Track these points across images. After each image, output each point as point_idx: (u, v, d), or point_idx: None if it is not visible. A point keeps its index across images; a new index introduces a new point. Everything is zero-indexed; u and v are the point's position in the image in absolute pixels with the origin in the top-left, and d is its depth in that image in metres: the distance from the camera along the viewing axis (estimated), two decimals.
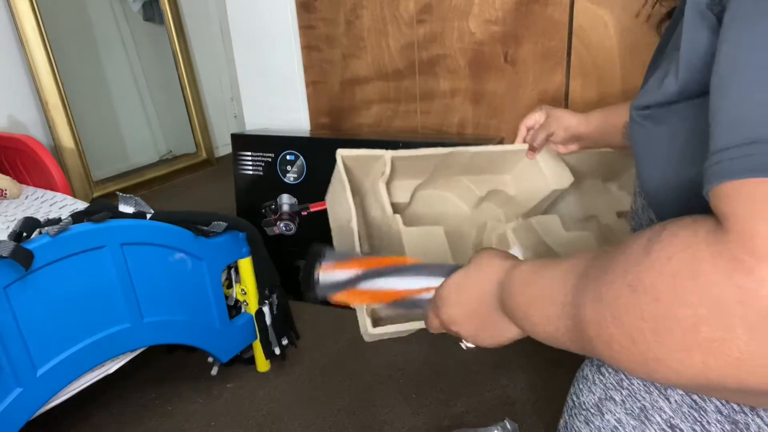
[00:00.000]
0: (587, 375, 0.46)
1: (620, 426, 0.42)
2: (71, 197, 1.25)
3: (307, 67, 1.45)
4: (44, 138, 1.89)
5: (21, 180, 1.43)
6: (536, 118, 0.87)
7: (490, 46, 1.19)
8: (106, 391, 1.06)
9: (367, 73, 1.37)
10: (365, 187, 0.87)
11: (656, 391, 0.41)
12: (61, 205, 1.20)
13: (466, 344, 0.55)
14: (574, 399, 0.47)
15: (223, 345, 1.05)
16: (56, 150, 1.89)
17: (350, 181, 0.88)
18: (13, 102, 1.83)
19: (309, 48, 1.43)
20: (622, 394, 0.42)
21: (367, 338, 0.80)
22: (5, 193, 1.26)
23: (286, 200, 1.39)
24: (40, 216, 1.10)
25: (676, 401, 0.40)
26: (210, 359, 1.10)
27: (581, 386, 0.46)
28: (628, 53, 1.06)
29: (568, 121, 0.83)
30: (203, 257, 0.97)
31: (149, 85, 2.37)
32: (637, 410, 0.41)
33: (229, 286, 1.07)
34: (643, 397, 0.41)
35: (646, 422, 0.40)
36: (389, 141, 1.26)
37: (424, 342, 1.16)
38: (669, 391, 0.40)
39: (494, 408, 0.98)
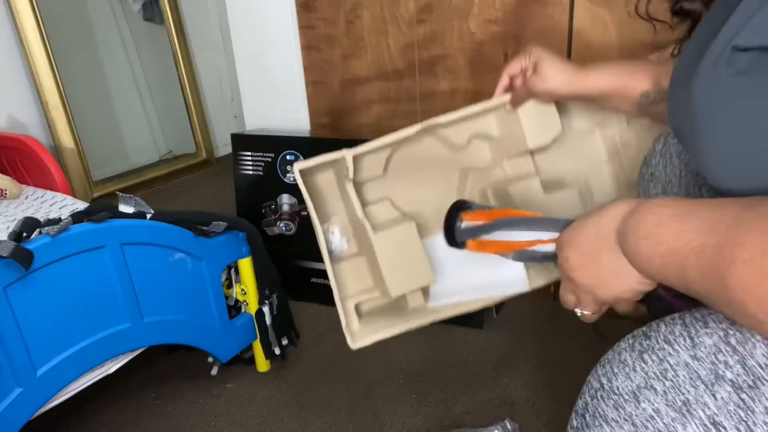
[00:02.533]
0: (626, 360, 0.44)
1: (657, 416, 0.40)
2: (71, 197, 1.25)
3: (307, 67, 1.45)
4: (44, 138, 1.89)
5: (21, 180, 1.43)
6: (522, 65, 0.77)
7: (490, 46, 1.19)
8: (106, 391, 1.06)
9: (367, 73, 1.37)
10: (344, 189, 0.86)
11: (702, 386, 0.39)
12: (61, 205, 1.20)
13: (582, 311, 0.54)
14: (604, 382, 0.44)
15: (223, 345, 1.05)
16: (56, 150, 1.89)
17: (329, 185, 0.88)
18: (13, 102, 1.83)
19: (309, 48, 1.43)
20: (665, 384, 0.41)
21: (353, 347, 0.82)
22: (5, 193, 1.26)
23: (286, 200, 1.39)
24: (40, 216, 1.10)
25: (722, 398, 0.38)
26: (210, 359, 1.10)
27: (616, 370, 0.44)
28: (628, 53, 1.06)
29: (556, 83, 0.73)
30: (203, 257, 0.97)
31: (149, 85, 2.37)
32: (680, 403, 0.39)
33: (229, 286, 1.07)
34: (688, 391, 0.39)
35: (688, 416, 0.39)
36: None
37: (424, 342, 1.16)
38: (716, 388, 0.38)
39: (494, 408, 0.98)
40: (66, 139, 1.90)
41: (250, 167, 1.42)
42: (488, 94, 1.25)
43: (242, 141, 1.43)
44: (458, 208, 0.67)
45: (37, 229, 0.79)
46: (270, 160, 1.39)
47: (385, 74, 1.35)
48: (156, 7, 2.29)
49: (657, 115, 0.68)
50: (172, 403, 1.05)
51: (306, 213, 1.37)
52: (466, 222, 0.66)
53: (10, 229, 0.78)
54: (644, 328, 0.44)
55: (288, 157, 1.37)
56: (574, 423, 0.46)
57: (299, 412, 1.01)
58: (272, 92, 1.53)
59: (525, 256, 0.61)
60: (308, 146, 1.36)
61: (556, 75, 0.73)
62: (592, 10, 1.06)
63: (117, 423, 1.01)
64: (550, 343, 1.14)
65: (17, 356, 0.77)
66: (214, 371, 1.09)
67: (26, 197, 1.29)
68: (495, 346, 1.14)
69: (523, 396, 1.00)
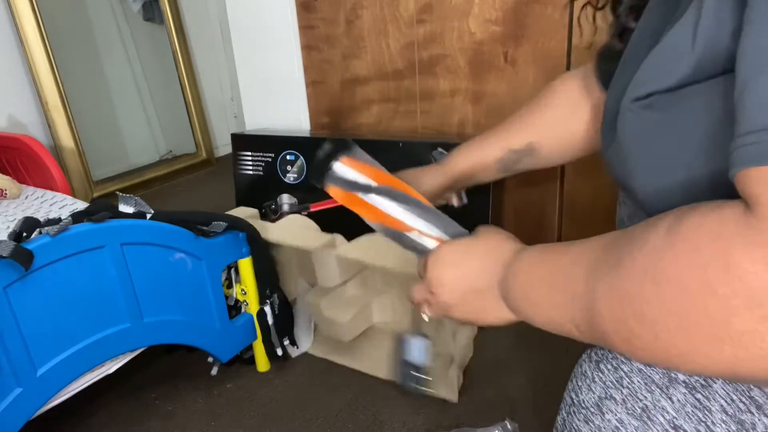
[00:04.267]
0: (586, 372, 0.45)
1: (622, 426, 0.40)
2: (71, 197, 1.25)
3: (307, 67, 1.45)
4: (44, 138, 1.89)
5: (21, 180, 1.43)
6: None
7: (490, 46, 1.19)
8: (106, 391, 1.06)
9: (367, 73, 1.37)
10: None
11: (658, 390, 0.39)
12: (61, 205, 1.20)
13: (427, 314, 0.55)
14: (573, 397, 0.45)
15: (223, 345, 1.05)
16: (56, 150, 1.89)
17: None
18: (13, 102, 1.83)
19: (309, 48, 1.43)
20: (622, 393, 0.41)
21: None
22: (5, 193, 1.26)
23: (286, 200, 1.39)
24: (40, 216, 1.10)
25: (678, 400, 0.38)
26: (210, 359, 1.10)
27: (580, 383, 0.45)
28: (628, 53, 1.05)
29: (429, 187, 0.78)
30: (203, 257, 0.97)
31: (149, 85, 2.37)
32: (639, 410, 0.40)
33: (229, 286, 1.07)
34: (645, 396, 0.40)
35: (649, 422, 0.39)
36: (389, 141, 1.26)
37: None
38: (671, 390, 0.39)
39: (494, 408, 0.98)
40: (66, 139, 1.90)
41: (250, 167, 1.42)
42: (488, 94, 1.25)
43: (242, 141, 1.43)
44: (343, 147, 0.60)
45: (37, 229, 0.79)
46: (270, 160, 1.39)
47: (385, 74, 1.35)
48: (156, 7, 2.29)
49: (527, 168, 0.75)
50: (172, 403, 1.05)
51: (306, 213, 1.37)
52: (343, 166, 0.59)
53: (10, 229, 0.78)
54: None
55: (288, 157, 1.37)
56: None
57: (299, 412, 1.01)
58: (272, 92, 1.53)
59: (394, 236, 0.58)
60: (308, 146, 1.36)
61: (420, 180, 0.78)
62: (592, 9, 1.06)
63: (117, 423, 1.01)
64: (550, 343, 1.14)
65: (17, 356, 0.77)
66: (214, 371, 1.09)
67: (26, 197, 1.29)
68: (495, 346, 1.14)
69: (523, 396, 1.00)
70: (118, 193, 0.96)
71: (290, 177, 1.38)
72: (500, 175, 0.77)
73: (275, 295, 1.08)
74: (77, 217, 0.85)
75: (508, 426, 0.89)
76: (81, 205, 1.17)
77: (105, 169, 2.14)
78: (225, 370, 1.11)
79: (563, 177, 1.22)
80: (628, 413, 0.40)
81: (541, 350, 1.12)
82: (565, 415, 0.46)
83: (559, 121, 0.71)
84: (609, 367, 0.43)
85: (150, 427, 0.99)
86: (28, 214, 1.15)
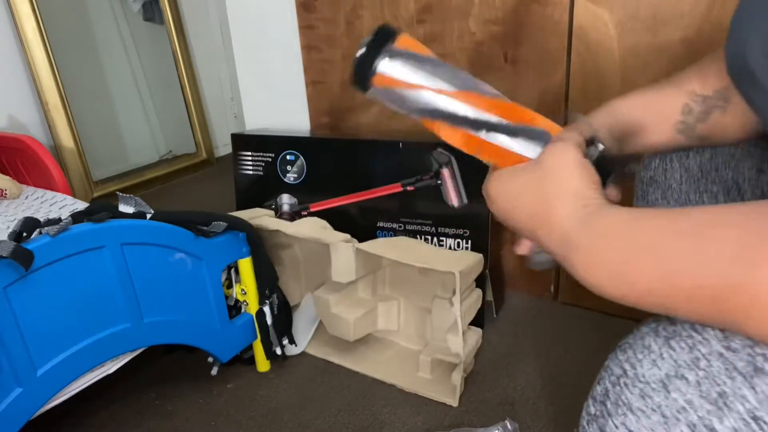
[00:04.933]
0: (650, 346, 0.41)
1: (690, 407, 0.37)
2: (71, 197, 1.25)
3: (307, 67, 1.45)
4: (44, 138, 1.89)
5: (21, 180, 1.43)
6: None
7: (490, 46, 1.19)
8: (106, 391, 1.06)
9: None
10: None
11: (740, 378, 0.36)
12: (61, 205, 1.20)
13: (537, 258, 0.53)
14: (627, 368, 0.41)
15: (223, 345, 1.05)
16: (56, 150, 1.89)
17: None
18: (13, 102, 1.83)
19: (309, 48, 1.43)
20: (697, 374, 0.37)
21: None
22: (5, 193, 1.26)
23: (286, 200, 1.39)
24: (40, 216, 1.10)
25: (763, 392, 0.35)
26: (210, 359, 1.10)
27: (640, 356, 0.41)
28: (628, 53, 1.06)
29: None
30: (203, 257, 0.97)
31: (149, 85, 2.37)
32: (715, 395, 0.36)
33: (229, 286, 1.07)
34: (724, 382, 0.36)
35: (725, 409, 0.36)
36: (389, 141, 1.26)
37: None
38: (756, 380, 0.35)
39: (494, 408, 0.98)
40: (66, 139, 1.90)
41: (250, 167, 1.42)
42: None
43: (242, 141, 1.43)
44: (387, 35, 0.51)
45: (37, 229, 0.79)
46: (270, 160, 1.39)
47: None
48: (156, 7, 2.29)
49: (703, 138, 0.59)
50: (172, 403, 1.05)
51: (306, 213, 1.37)
52: (402, 51, 0.51)
53: (10, 229, 0.78)
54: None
55: (288, 157, 1.37)
56: (592, 410, 0.43)
57: (299, 412, 1.01)
58: (272, 92, 1.53)
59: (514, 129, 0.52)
60: (308, 146, 1.36)
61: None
62: (592, 10, 1.06)
63: (117, 423, 1.01)
64: (550, 343, 1.14)
65: (17, 356, 0.77)
66: (214, 371, 1.09)
67: (26, 197, 1.29)
68: (495, 346, 1.14)
69: (523, 396, 1.00)
70: (118, 193, 0.96)
71: (290, 177, 1.38)
72: (677, 138, 0.59)
73: (275, 295, 1.08)
74: (77, 217, 0.85)
75: (508, 426, 0.89)
76: (81, 205, 1.17)
77: (105, 169, 2.14)
78: (225, 370, 1.11)
79: None
80: (701, 396, 0.37)
81: (542, 350, 1.12)
82: (609, 385, 0.42)
83: None
84: (683, 345, 0.39)
85: (150, 427, 0.99)
86: (28, 214, 1.15)
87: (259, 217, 1.14)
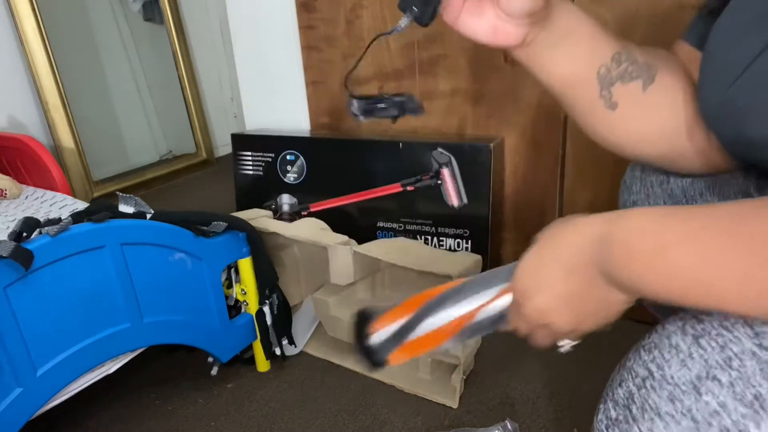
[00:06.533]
0: (679, 345, 0.38)
1: (724, 410, 0.34)
2: (71, 197, 1.25)
3: (307, 67, 1.45)
4: (44, 138, 1.89)
5: (21, 180, 1.43)
6: None
7: None
8: (106, 391, 1.06)
9: (367, 73, 1.37)
10: None
11: None
12: (61, 205, 1.20)
13: (566, 344, 0.48)
14: (653, 369, 0.38)
15: (223, 345, 1.05)
16: (56, 150, 1.89)
17: None
18: (13, 102, 1.83)
19: (309, 48, 1.43)
20: (730, 375, 0.35)
21: None
22: (5, 193, 1.26)
23: (286, 200, 1.40)
24: (40, 216, 1.10)
25: None
26: (210, 359, 1.10)
27: (667, 357, 0.38)
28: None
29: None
30: (203, 257, 0.97)
31: (149, 85, 2.37)
32: (750, 396, 0.34)
33: (229, 286, 1.07)
34: (759, 383, 0.34)
35: (761, 412, 0.33)
36: (389, 141, 1.26)
37: None
38: None
39: (494, 408, 0.98)
40: (66, 139, 1.90)
41: (250, 167, 1.42)
42: (488, 94, 1.25)
43: (242, 141, 1.43)
44: (363, 321, 0.54)
45: (37, 229, 0.79)
46: (270, 160, 1.39)
47: (385, 74, 1.35)
48: (156, 7, 2.29)
49: (614, 105, 0.54)
50: (172, 403, 1.05)
51: (306, 213, 1.37)
52: (378, 333, 0.52)
53: (10, 229, 0.78)
54: (692, 311, 0.38)
55: (288, 157, 1.37)
56: (613, 414, 0.40)
57: (299, 412, 1.01)
58: (272, 92, 1.53)
59: (469, 331, 0.50)
60: (308, 146, 1.36)
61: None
62: (592, 9, 1.06)
63: (117, 423, 1.01)
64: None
65: (17, 356, 0.77)
66: (214, 371, 1.09)
67: (26, 197, 1.29)
68: (495, 346, 1.14)
69: (523, 396, 1.00)
70: (118, 193, 0.96)
71: (290, 177, 1.38)
72: (591, 81, 0.54)
73: (274, 295, 1.08)
74: (77, 217, 0.85)
75: (508, 426, 0.89)
76: (81, 205, 1.17)
77: (105, 169, 2.14)
78: (225, 370, 1.11)
79: (563, 177, 1.22)
80: (735, 398, 0.34)
81: (541, 350, 1.12)
82: (634, 388, 0.39)
83: (680, 68, 0.55)
84: (713, 344, 0.36)
85: (150, 427, 0.99)
86: (28, 214, 1.15)
87: (258, 218, 1.14)
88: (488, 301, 0.49)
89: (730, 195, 0.57)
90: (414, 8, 0.50)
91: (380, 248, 1.04)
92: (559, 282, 0.43)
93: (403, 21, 0.51)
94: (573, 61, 0.53)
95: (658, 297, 0.38)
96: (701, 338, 0.37)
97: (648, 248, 0.37)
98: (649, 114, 0.55)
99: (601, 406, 0.41)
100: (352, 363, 1.11)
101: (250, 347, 1.10)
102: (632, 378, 0.39)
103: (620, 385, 0.40)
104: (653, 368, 0.38)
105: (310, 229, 1.11)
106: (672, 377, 0.37)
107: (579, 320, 0.44)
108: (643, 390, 0.38)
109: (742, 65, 0.43)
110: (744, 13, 0.44)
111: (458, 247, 1.23)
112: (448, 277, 0.94)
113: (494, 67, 1.21)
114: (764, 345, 0.34)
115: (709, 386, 0.35)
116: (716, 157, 0.54)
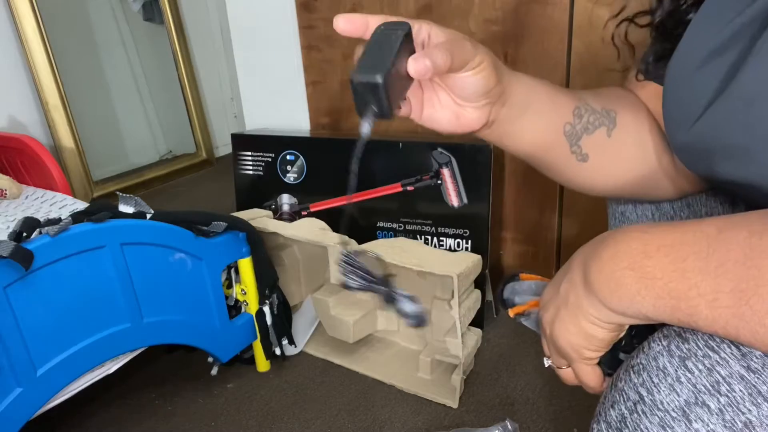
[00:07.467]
0: (666, 368, 0.37)
1: None
2: (71, 197, 1.25)
3: (307, 67, 1.45)
4: (44, 138, 1.89)
5: (21, 180, 1.43)
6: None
7: (490, 46, 1.19)
8: (106, 391, 1.06)
9: None
10: None
11: (766, 405, 0.33)
12: (61, 205, 1.20)
13: (547, 360, 0.51)
14: (644, 394, 0.38)
15: (223, 345, 1.05)
16: (56, 150, 1.89)
17: None
18: (13, 102, 1.83)
19: (309, 48, 1.43)
20: (719, 401, 0.34)
21: None
22: (5, 193, 1.26)
23: (286, 200, 1.39)
24: (40, 216, 1.10)
25: None
26: (210, 359, 1.10)
27: (656, 380, 0.37)
28: (629, 53, 1.05)
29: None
30: (203, 257, 0.97)
31: (149, 85, 2.37)
32: (740, 425, 0.33)
33: (229, 286, 1.07)
34: (749, 410, 0.33)
35: None
36: (389, 141, 1.26)
37: None
38: None
39: (494, 408, 0.98)
40: (66, 139, 1.90)
41: (250, 167, 1.42)
42: None
43: (242, 141, 1.43)
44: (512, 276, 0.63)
45: (37, 229, 0.79)
46: (270, 160, 1.39)
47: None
48: (156, 7, 2.28)
49: (584, 157, 0.57)
50: (172, 403, 1.05)
51: (306, 213, 1.37)
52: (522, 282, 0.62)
53: (10, 229, 0.78)
54: (675, 328, 0.38)
55: (288, 157, 1.37)
56: None
57: (299, 412, 1.01)
58: (272, 92, 1.53)
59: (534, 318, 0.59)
60: (308, 146, 1.36)
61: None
62: (592, 9, 1.06)
63: (117, 423, 1.01)
64: None
65: (17, 356, 0.77)
66: (214, 371, 1.09)
67: (26, 197, 1.28)
68: (495, 346, 1.14)
69: (523, 396, 1.00)
70: (118, 193, 0.96)
71: (290, 177, 1.38)
72: (561, 142, 0.55)
73: (274, 295, 1.08)
74: (77, 217, 0.85)
75: (509, 426, 0.89)
76: (81, 205, 1.17)
77: (105, 169, 2.13)
78: (225, 370, 1.11)
79: None
80: (725, 426, 0.34)
81: (541, 350, 1.12)
82: (626, 412, 0.39)
83: (636, 103, 0.58)
84: (700, 367, 0.36)
85: (150, 427, 0.99)
86: (28, 214, 1.15)
87: (258, 218, 1.14)
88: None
89: (717, 205, 0.59)
90: (372, 107, 0.44)
91: (380, 248, 1.04)
92: (558, 278, 0.45)
93: (365, 127, 0.45)
94: (541, 128, 0.55)
95: (629, 308, 0.38)
96: (688, 360, 0.36)
97: (635, 250, 0.38)
98: (619, 156, 0.57)
99: (595, 426, 0.41)
100: (351, 363, 1.12)
101: (250, 347, 1.10)
102: (623, 401, 0.39)
103: (612, 407, 0.40)
104: (643, 392, 0.38)
105: (309, 229, 1.11)
106: (662, 403, 0.36)
107: (554, 324, 0.46)
108: (635, 415, 0.38)
109: (702, 105, 0.43)
110: (695, 52, 0.44)
111: (458, 247, 1.23)
112: (448, 277, 0.94)
113: None
114: (751, 367, 0.34)
115: (698, 413, 0.35)
116: (689, 182, 0.57)
